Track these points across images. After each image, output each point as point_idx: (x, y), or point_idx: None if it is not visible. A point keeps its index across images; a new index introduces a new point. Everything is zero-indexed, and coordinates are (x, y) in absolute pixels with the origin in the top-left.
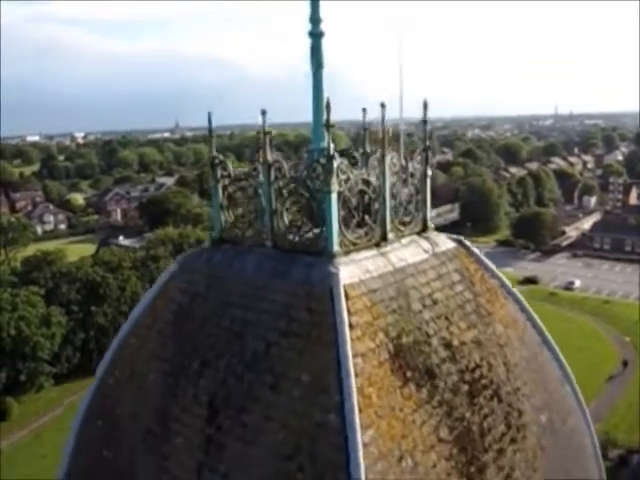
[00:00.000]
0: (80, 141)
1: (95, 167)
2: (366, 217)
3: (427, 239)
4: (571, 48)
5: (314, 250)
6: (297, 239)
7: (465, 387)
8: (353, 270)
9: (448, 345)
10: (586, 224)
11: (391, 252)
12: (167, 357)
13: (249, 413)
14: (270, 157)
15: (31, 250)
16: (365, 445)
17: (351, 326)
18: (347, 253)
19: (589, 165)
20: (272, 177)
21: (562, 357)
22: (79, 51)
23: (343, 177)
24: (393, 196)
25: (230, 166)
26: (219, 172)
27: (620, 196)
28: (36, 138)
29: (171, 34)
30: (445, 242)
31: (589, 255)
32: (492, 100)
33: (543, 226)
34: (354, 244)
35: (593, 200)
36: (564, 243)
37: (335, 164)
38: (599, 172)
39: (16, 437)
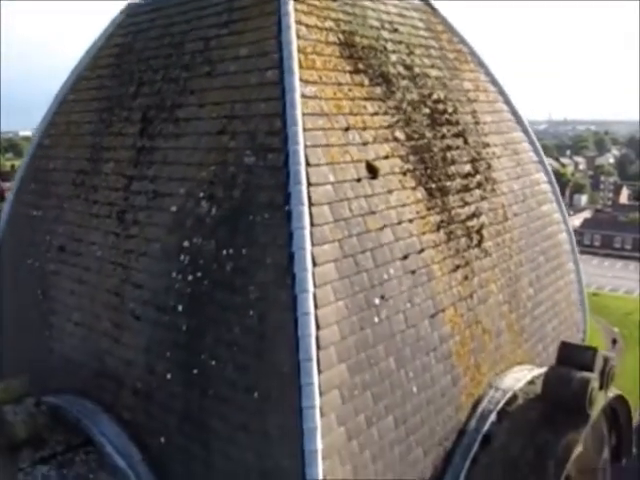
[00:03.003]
0: None
1: None
2: None
3: None
4: (565, 53)
5: None
6: None
7: (426, 110)
8: None
9: (408, 67)
10: (577, 221)
11: None
12: (104, 96)
13: (183, 107)
14: None
15: None
16: (305, 97)
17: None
18: None
19: (581, 166)
20: None
21: (538, 144)
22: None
23: None
24: None
25: None
26: None
27: (611, 195)
28: (28, 133)
29: None
30: None
31: (579, 251)
32: None
33: None
34: None
35: (584, 198)
36: None
37: None
38: (590, 173)
39: None
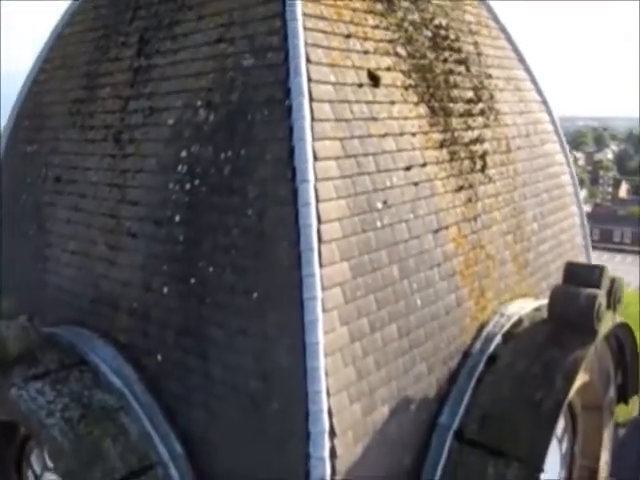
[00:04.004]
0: None
1: None
2: None
3: None
4: (563, 50)
5: None
6: None
7: (428, 33)
8: None
9: None
10: None
11: None
12: (100, 25)
13: (180, 23)
14: None
15: None
16: None
17: None
18: None
19: (580, 162)
20: None
21: (541, 85)
22: None
23: None
24: None
25: None
26: None
27: (610, 189)
28: None
29: None
30: None
31: None
32: None
33: None
34: None
35: (583, 193)
36: None
37: None
38: (589, 168)
39: None
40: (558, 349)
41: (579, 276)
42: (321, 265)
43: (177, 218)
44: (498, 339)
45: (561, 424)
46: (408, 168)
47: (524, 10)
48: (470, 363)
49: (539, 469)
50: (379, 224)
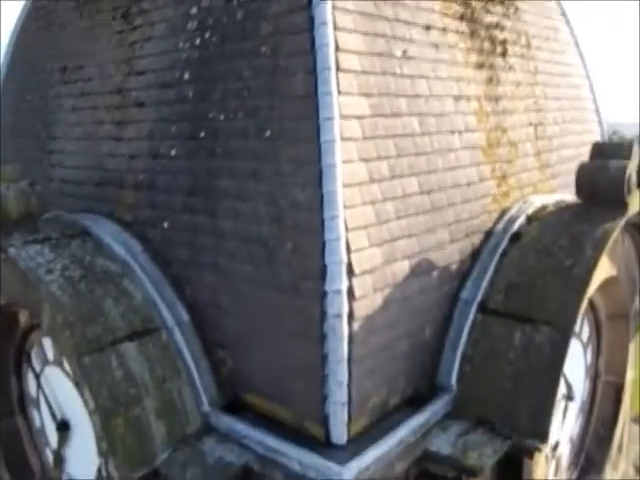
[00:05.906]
0: None
1: None
2: None
3: None
4: None
5: None
6: None
7: None
8: None
9: None
10: None
11: None
12: None
13: None
14: None
15: None
16: None
17: None
18: None
19: None
20: None
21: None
22: None
23: None
24: None
25: None
26: None
27: None
28: None
29: None
30: None
31: None
32: None
33: None
34: None
35: None
36: None
37: None
38: None
39: None
40: (587, 223)
41: (607, 152)
42: (339, 92)
43: (186, 76)
44: (522, 220)
45: (586, 331)
46: (428, 27)
47: None
48: (493, 241)
49: (570, 331)
50: (398, 71)
